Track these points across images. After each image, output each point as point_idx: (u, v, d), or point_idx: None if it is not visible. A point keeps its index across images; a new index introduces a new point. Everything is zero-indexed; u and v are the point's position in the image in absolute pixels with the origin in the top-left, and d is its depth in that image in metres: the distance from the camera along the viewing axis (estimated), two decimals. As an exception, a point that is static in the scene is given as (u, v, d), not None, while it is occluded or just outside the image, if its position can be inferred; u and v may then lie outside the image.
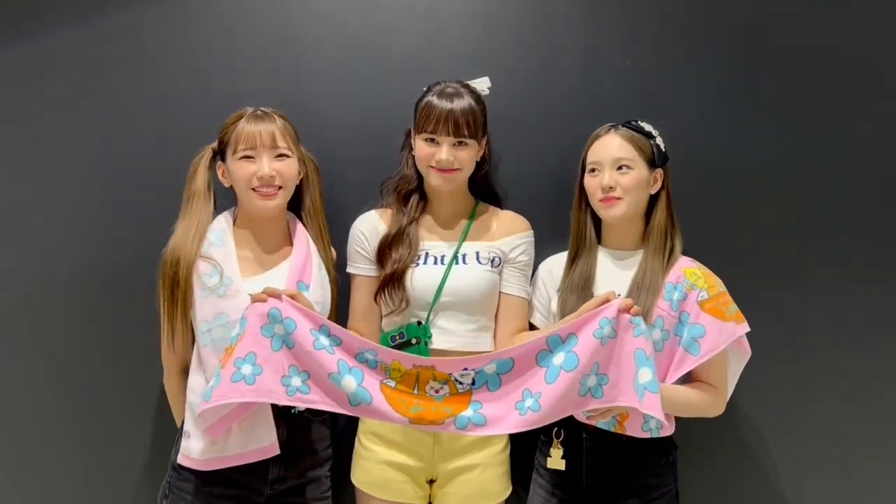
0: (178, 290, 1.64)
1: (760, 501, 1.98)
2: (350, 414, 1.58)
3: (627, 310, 1.53)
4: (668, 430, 1.68)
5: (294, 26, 1.98)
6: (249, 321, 1.54)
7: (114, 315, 1.97)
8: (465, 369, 1.58)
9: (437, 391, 1.58)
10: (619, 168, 1.69)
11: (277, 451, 1.62)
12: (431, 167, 1.73)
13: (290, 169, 1.69)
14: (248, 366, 1.51)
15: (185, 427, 1.65)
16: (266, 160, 1.66)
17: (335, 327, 1.59)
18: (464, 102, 1.70)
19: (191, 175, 1.73)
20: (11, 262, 1.99)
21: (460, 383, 1.58)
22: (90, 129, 1.98)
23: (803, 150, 1.94)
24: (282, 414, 1.65)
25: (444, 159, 1.70)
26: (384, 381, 1.58)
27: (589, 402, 1.56)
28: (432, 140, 1.71)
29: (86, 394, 1.99)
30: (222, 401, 1.50)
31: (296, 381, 1.55)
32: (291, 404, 1.57)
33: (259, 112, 1.70)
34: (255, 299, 1.55)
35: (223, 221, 1.73)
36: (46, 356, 1.99)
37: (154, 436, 1.94)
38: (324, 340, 1.56)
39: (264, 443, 1.62)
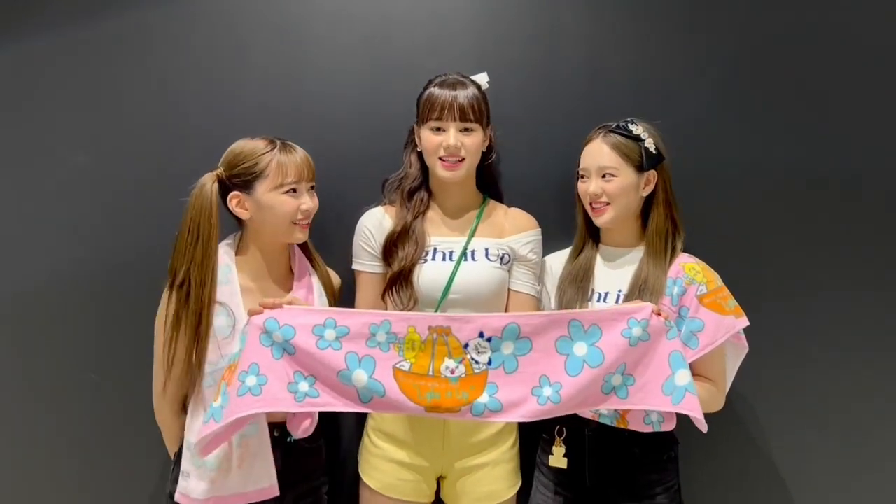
0: (202, 329, 1.61)
1: (760, 496, 1.98)
2: (363, 411, 1.55)
3: (659, 313, 1.53)
4: (670, 424, 1.68)
5: (296, 25, 1.98)
6: (249, 334, 1.53)
7: (114, 318, 1.97)
8: (481, 335, 1.55)
9: (452, 372, 1.54)
10: (604, 176, 1.70)
11: (277, 493, 1.62)
12: (440, 159, 1.71)
13: (316, 201, 1.72)
14: (251, 377, 1.49)
15: (184, 467, 1.64)
16: (307, 194, 1.68)
17: (342, 315, 1.56)
18: (467, 90, 1.71)
19: (205, 210, 1.62)
20: (10, 263, 1.99)
21: (476, 362, 1.55)
22: (90, 129, 1.98)
23: (806, 150, 1.94)
24: (276, 444, 1.64)
25: (452, 144, 1.69)
26: (398, 364, 1.54)
27: (612, 401, 1.54)
28: (438, 129, 1.71)
29: (85, 398, 1.99)
30: (232, 417, 1.47)
31: (303, 387, 1.52)
32: (301, 410, 1.53)
33: (284, 143, 1.67)
34: (252, 312, 1.54)
35: (225, 255, 1.68)
36: (44, 359, 1.99)
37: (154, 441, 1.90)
38: (329, 336, 1.53)
39: (264, 483, 1.62)
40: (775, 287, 1.94)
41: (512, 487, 1.78)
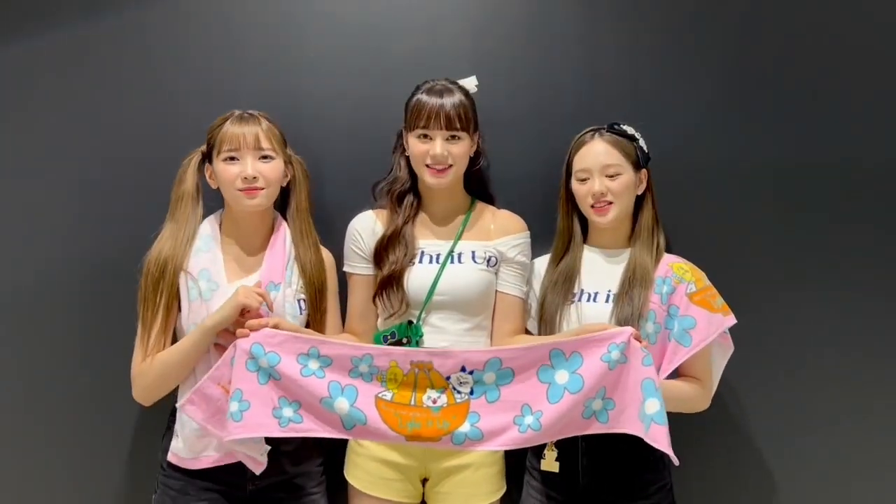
0: (162, 294, 1.66)
1: (751, 494, 1.98)
2: (346, 437, 1.60)
3: (637, 338, 1.55)
4: None
5: (291, 27, 1.99)
6: (236, 358, 1.56)
7: (104, 315, 1.96)
8: (463, 370, 1.58)
9: (434, 401, 1.58)
10: (608, 174, 1.71)
11: (264, 466, 1.64)
12: (426, 166, 1.73)
13: (273, 171, 1.71)
14: (234, 403, 1.54)
15: (175, 428, 1.68)
16: (250, 161, 1.68)
17: (326, 346, 1.60)
18: (454, 97, 1.72)
19: (179, 177, 1.74)
20: (6, 261, 1.98)
21: (458, 392, 1.58)
22: (87, 129, 1.97)
23: (794, 150, 1.95)
24: None
25: (438, 153, 1.70)
26: (380, 394, 1.58)
27: (593, 426, 1.56)
28: (425, 136, 1.72)
29: (77, 394, 1.98)
30: (215, 432, 1.57)
31: (287, 412, 1.57)
32: (285, 436, 1.58)
33: (245, 114, 1.72)
34: (239, 335, 1.57)
35: (209, 227, 1.75)
36: (35, 355, 1.98)
37: (143, 434, 1.96)
38: (313, 365, 1.58)
39: (255, 454, 1.63)
40: (767, 288, 1.95)
41: (496, 492, 1.77)
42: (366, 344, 1.69)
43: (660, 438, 1.49)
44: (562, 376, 1.55)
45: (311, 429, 1.57)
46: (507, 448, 1.58)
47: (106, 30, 1.98)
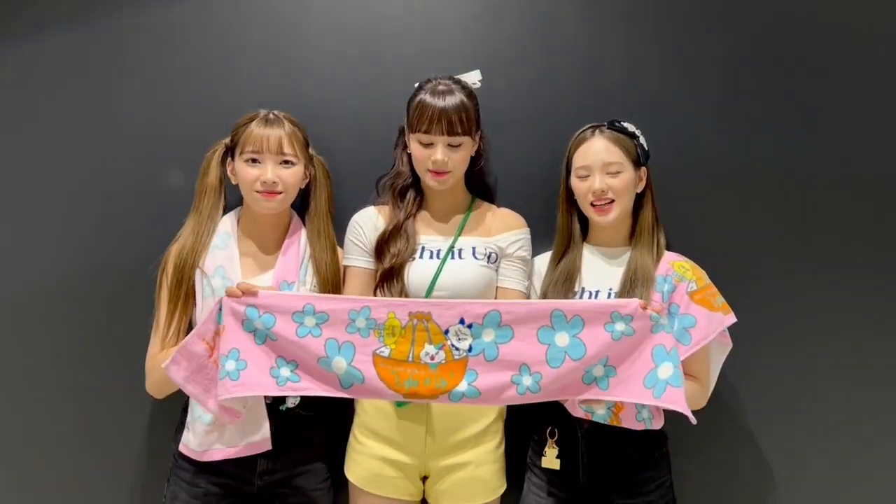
0: (180, 289, 1.70)
1: (750, 490, 1.98)
2: (344, 396, 1.57)
3: (645, 308, 1.53)
4: (659, 422, 1.69)
5: (292, 26, 2.00)
6: (226, 318, 1.55)
7: (111, 315, 1.98)
8: (462, 322, 1.55)
9: (432, 358, 1.54)
10: (610, 172, 1.71)
11: (269, 447, 1.66)
12: (428, 170, 1.74)
13: (293, 176, 1.73)
14: (231, 362, 1.52)
15: (187, 421, 1.70)
16: (271, 166, 1.70)
17: (321, 301, 1.57)
18: (456, 99, 1.71)
19: (203, 170, 1.77)
20: (12, 263, 2.00)
21: (456, 349, 1.55)
22: (87, 130, 1.99)
23: (793, 150, 1.96)
24: (270, 410, 1.68)
25: (439, 160, 1.71)
26: (378, 350, 1.55)
27: (593, 391, 1.55)
28: (427, 142, 1.72)
29: (88, 392, 1.99)
30: (194, 391, 1.56)
31: (285, 372, 1.56)
32: (283, 394, 1.58)
33: (271, 116, 1.74)
34: (229, 293, 1.56)
35: (228, 223, 1.78)
36: (49, 355, 2.00)
37: (158, 427, 1.98)
38: (309, 322, 1.55)
39: (256, 437, 1.66)
40: (764, 286, 1.95)
41: (496, 490, 1.77)
42: (365, 298, 1.66)
43: (677, 400, 1.47)
44: (562, 338, 1.53)
45: (309, 387, 1.55)
46: (505, 404, 1.56)
47: (105, 30, 2.00)
